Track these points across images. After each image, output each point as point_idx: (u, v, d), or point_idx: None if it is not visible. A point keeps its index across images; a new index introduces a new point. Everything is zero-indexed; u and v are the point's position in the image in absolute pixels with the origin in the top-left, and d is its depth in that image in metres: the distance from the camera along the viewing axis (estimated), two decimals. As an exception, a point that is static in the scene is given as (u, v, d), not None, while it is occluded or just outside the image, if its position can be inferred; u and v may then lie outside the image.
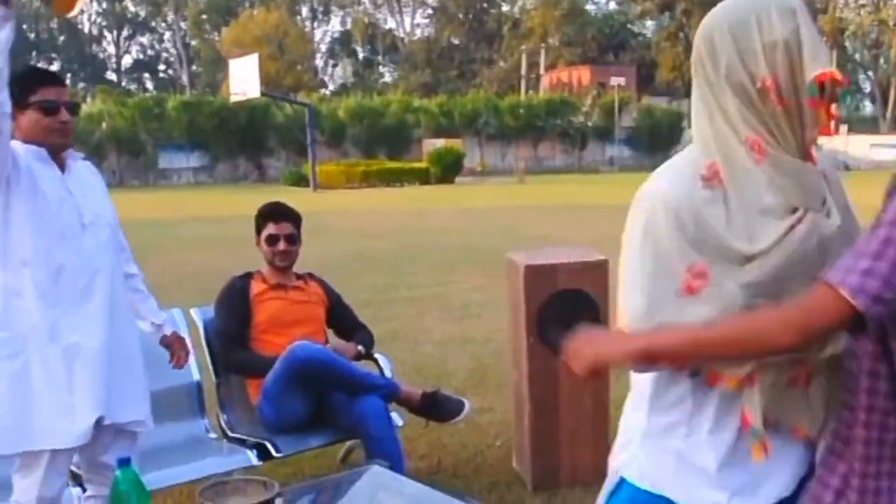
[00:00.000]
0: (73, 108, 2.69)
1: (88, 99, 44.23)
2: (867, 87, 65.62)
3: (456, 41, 67.73)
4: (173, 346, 3.16)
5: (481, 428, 4.72)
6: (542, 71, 51.90)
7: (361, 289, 8.47)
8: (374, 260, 11.78)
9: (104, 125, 37.49)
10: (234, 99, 31.37)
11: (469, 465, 4.25)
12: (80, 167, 2.77)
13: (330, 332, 3.99)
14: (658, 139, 45.42)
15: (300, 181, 33.50)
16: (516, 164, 38.77)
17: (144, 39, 78.19)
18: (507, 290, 4.02)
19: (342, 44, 74.12)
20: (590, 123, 44.38)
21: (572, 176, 38.10)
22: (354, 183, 32.30)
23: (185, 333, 3.63)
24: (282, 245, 3.78)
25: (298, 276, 3.94)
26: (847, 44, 59.54)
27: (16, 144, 2.52)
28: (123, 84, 72.25)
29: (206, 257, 12.07)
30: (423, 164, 35.25)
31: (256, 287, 3.80)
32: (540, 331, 3.78)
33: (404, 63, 68.34)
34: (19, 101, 2.50)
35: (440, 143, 37.01)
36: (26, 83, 2.56)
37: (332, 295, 4.00)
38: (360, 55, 74.44)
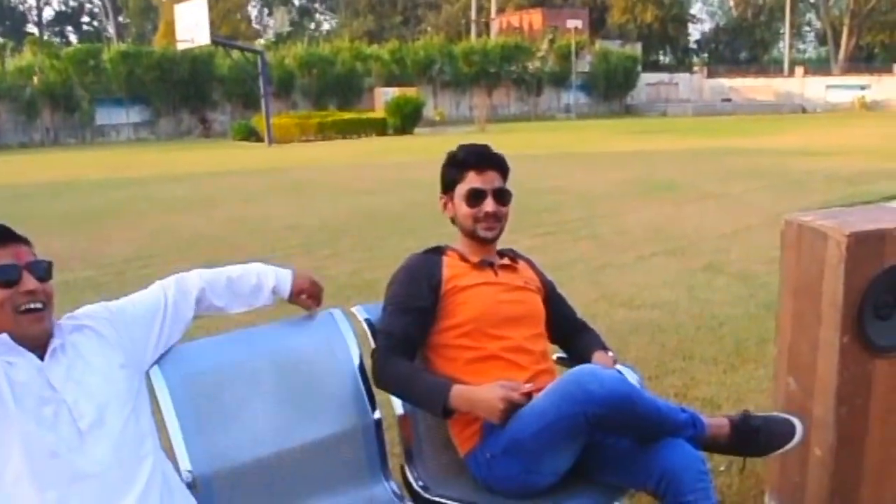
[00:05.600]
0: (44, 273, 1.92)
1: (12, 52, 41.24)
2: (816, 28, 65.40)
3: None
4: (308, 292, 2.44)
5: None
6: (492, 15, 50.25)
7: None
8: (391, 217, 10.53)
9: (35, 80, 34.91)
10: (181, 46, 29.30)
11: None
12: (69, 344, 1.94)
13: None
14: (614, 84, 44.42)
15: (250, 135, 31.85)
16: (473, 112, 37.43)
17: (67, -11, 74.35)
18: (788, 264, 2.85)
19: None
20: (546, 69, 43.09)
21: (531, 124, 37.01)
22: (309, 136, 30.71)
23: (350, 339, 2.51)
24: (489, 204, 2.56)
25: (501, 253, 2.71)
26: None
27: None
28: (46, 38, 68.55)
29: (192, 221, 10.73)
30: (380, 115, 33.75)
31: (452, 268, 2.56)
32: (861, 324, 2.64)
33: (345, 10, 65.91)
34: None
35: (393, 91, 35.45)
36: None
37: (546, 280, 2.78)
38: (297, 2, 71.65)
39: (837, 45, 56.03)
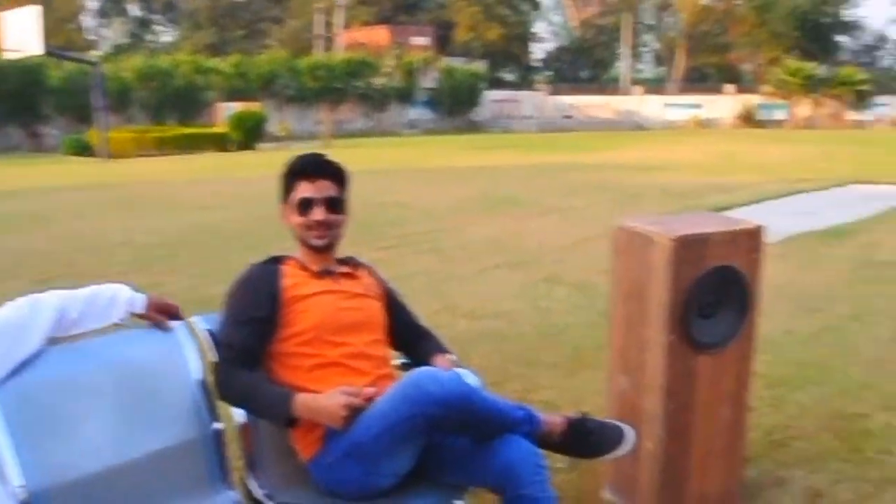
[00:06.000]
0: None
1: None
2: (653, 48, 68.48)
3: (241, -1, 64.48)
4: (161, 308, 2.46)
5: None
6: (336, 30, 50.13)
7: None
8: (230, 233, 10.31)
9: None
10: (10, 56, 27.66)
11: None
12: None
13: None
14: (459, 101, 45.09)
15: (83, 150, 30.44)
16: (319, 127, 37.16)
17: None
18: (619, 269, 2.98)
19: (114, 1, 68.57)
20: (391, 85, 43.30)
21: (376, 139, 37.09)
22: (147, 151, 29.65)
23: (190, 350, 2.48)
24: (319, 213, 2.57)
25: (341, 261, 2.72)
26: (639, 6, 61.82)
27: None
28: None
29: (23, 238, 10.18)
30: (221, 130, 32.96)
31: (291, 277, 2.56)
32: (685, 322, 2.79)
33: (185, 22, 64.18)
34: None
35: (236, 106, 34.73)
36: None
37: (387, 287, 2.81)
38: (134, 13, 69.20)
39: (673, 66, 59.05)
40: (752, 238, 2.79)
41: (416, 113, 44.33)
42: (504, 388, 4.64)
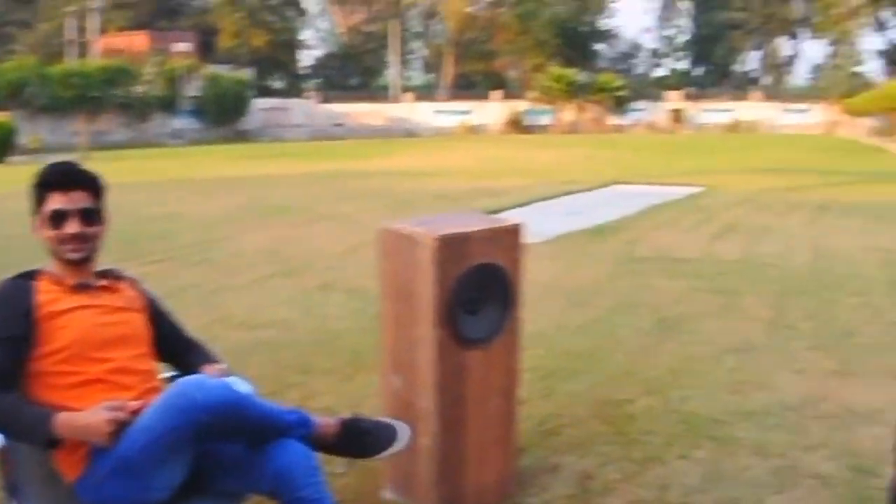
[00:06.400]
0: None
1: None
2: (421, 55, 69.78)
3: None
4: None
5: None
6: (90, 35, 47.47)
7: None
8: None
9: None
10: None
11: None
12: None
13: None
14: (225, 109, 43.99)
15: None
16: (75, 139, 35.06)
17: None
18: (386, 270, 3.03)
19: None
20: (153, 94, 41.59)
21: (140, 151, 35.52)
22: None
23: None
24: (73, 225, 2.43)
25: (100, 274, 2.59)
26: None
27: None
28: None
29: None
30: (-36, 142, 30.39)
31: (46, 293, 2.41)
32: (452, 319, 2.88)
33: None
34: None
35: (-20, 117, 32.16)
36: None
37: (150, 298, 2.70)
38: None
39: (442, 73, 60.56)
40: (512, 235, 2.93)
41: (181, 123, 42.82)
42: (282, 396, 4.59)
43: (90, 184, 2.51)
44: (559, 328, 6.11)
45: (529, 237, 10.33)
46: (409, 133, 46.11)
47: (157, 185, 18.26)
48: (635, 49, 69.54)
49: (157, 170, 23.08)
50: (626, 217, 11.99)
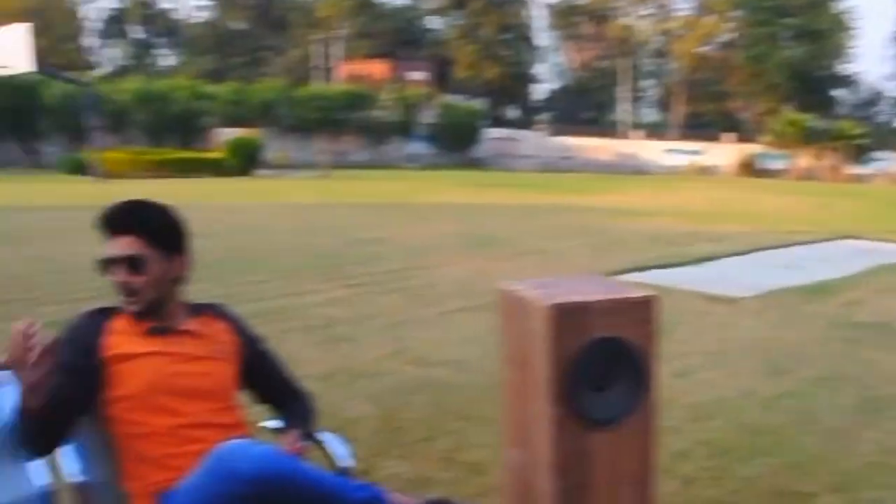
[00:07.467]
0: None
1: None
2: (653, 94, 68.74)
3: (242, 27, 64.63)
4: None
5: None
6: (333, 62, 50.35)
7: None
8: (201, 264, 10.09)
9: None
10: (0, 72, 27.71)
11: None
12: None
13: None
14: (458, 137, 45.15)
15: (78, 169, 30.46)
16: (319, 157, 37.14)
17: None
18: (506, 334, 2.81)
19: (116, 22, 68.84)
20: (391, 119, 43.39)
21: (377, 171, 37.10)
22: (143, 172, 29.67)
23: None
24: (119, 275, 2.31)
25: (194, 309, 2.49)
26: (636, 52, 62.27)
27: None
28: None
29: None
30: (218, 155, 33.02)
31: (119, 334, 2.32)
32: (573, 396, 2.61)
33: (187, 47, 64.43)
34: None
35: (234, 132, 34.85)
36: None
37: (249, 340, 2.59)
38: (137, 36, 69.42)
39: (672, 111, 59.25)
40: (641, 309, 2.61)
41: (416, 147, 44.36)
42: (431, 445, 4.45)
43: (142, 227, 2.35)
44: (746, 396, 5.56)
45: (738, 290, 9.57)
46: (637, 170, 45.22)
47: (381, 207, 18.90)
48: (877, 97, 64.98)
49: (386, 191, 23.93)
50: (852, 275, 10.92)
